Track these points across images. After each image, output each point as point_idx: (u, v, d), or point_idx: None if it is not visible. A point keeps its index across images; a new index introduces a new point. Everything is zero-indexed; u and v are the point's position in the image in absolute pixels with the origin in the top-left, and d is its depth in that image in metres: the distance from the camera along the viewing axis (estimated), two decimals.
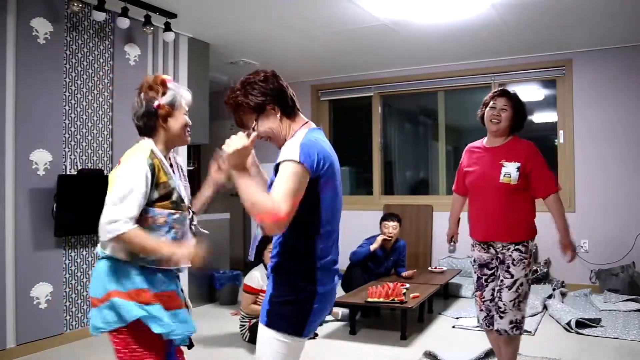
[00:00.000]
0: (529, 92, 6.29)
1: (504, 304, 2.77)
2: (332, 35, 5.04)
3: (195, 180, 7.79)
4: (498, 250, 2.83)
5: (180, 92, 2.00)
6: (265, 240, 4.08)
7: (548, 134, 6.11)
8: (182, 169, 2.14)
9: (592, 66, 5.66)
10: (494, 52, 5.83)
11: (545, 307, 4.76)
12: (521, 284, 2.76)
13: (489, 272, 2.88)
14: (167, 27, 4.56)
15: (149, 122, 1.94)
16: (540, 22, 4.82)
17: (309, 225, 1.66)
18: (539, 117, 6.45)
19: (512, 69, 6.01)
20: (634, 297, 4.90)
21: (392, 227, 5.04)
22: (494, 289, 2.88)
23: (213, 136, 6.54)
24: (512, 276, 2.76)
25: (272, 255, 1.72)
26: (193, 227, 2.11)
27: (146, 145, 1.94)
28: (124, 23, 4.16)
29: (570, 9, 4.46)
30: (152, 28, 4.43)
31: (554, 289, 5.29)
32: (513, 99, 2.90)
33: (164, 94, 1.95)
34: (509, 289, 2.76)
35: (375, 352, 3.74)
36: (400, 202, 6.54)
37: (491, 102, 2.90)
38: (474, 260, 2.95)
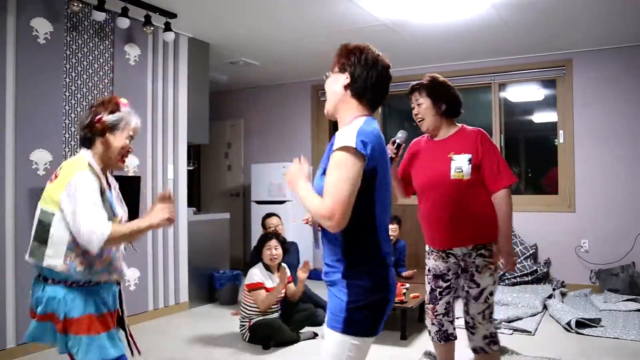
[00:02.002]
0: (529, 92, 6.30)
1: (471, 318, 2.48)
2: (332, 35, 5.05)
3: (195, 180, 7.81)
4: (459, 258, 2.50)
5: (129, 118, 2.05)
6: (263, 239, 4.09)
7: (548, 134, 6.12)
8: (117, 191, 2.16)
9: (592, 66, 5.66)
10: (494, 52, 5.83)
11: (545, 307, 4.75)
12: (490, 293, 2.46)
13: (444, 285, 2.58)
14: (167, 27, 4.56)
15: (88, 134, 2.03)
16: (540, 22, 4.82)
17: (369, 224, 1.67)
18: (539, 117, 6.46)
19: (512, 69, 6.01)
20: (634, 297, 4.90)
21: (391, 229, 5.04)
22: (448, 302, 2.62)
23: (213, 136, 6.54)
24: (479, 285, 2.45)
25: (336, 262, 1.67)
26: (125, 248, 2.15)
27: (84, 158, 1.99)
28: (124, 23, 4.16)
29: (570, 9, 4.46)
30: (152, 28, 4.43)
31: (554, 289, 5.29)
32: (424, 88, 2.53)
33: (111, 112, 2.02)
34: (476, 300, 2.45)
35: (375, 352, 3.71)
36: (400, 202, 6.52)
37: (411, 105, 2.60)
38: (428, 270, 2.64)
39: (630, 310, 4.64)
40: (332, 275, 1.68)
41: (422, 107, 2.52)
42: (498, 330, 2.74)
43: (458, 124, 2.61)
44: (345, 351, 1.63)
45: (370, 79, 1.72)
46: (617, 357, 3.51)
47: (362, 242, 1.66)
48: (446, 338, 2.68)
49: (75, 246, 1.90)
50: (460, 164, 2.42)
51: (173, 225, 2.10)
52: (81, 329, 1.89)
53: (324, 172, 1.65)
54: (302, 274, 3.97)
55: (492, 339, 2.51)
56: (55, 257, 1.89)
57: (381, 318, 1.68)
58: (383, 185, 1.68)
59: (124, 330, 2.12)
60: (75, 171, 1.92)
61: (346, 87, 1.74)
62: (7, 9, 3.58)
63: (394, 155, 2.39)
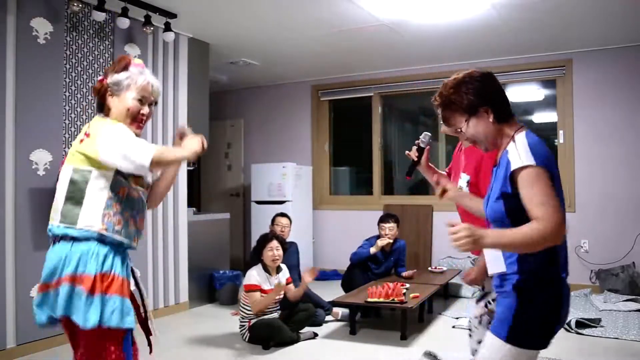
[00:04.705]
0: (529, 92, 6.30)
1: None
2: (332, 35, 5.04)
3: (195, 180, 7.81)
4: None
5: (137, 77, 1.90)
6: (264, 240, 4.08)
7: (548, 134, 6.11)
8: None
9: (592, 66, 5.66)
10: (494, 52, 5.83)
11: None
12: None
13: None
14: (167, 27, 4.56)
15: (97, 99, 1.95)
16: (540, 22, 4.82)
17: None
18: (539, 117, 6.46)
19: (512, 69, 6.01)
20: (634, 297, 4.90)
21: (388, 228, 5.03)
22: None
23: (213, 136, 6.54)
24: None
25: (510, 274, 1.65)
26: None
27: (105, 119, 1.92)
28: (124, 23, 4.16)
29: (570, 9, 4.46)
30: (152, 28, 4.43)
31: None
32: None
33: (117, 72, 1.91)
34: None
35: (375, 352, 3.73)
36: (400, 202, 6.53)
37: None
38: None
39: (630, 310, 4.64)
40: (505, 286, 1.66)
41: None
42: None
43: None
44: (502, 358, 1.62)
45: (493, 94, 1.70)
46: (617, 357, 3.52)
47: (540, 256, 1.60)
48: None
49: (113, 204, 1.82)
50: (462, 185, 2.16)
51: (203, 149, 2.04)
52: (110, 287, 1.78)
53: (499, 196, 1.62)
54: (307, 278, 3.96)
55: None
56: (92, 217, 1.80)
57: (549, 333, 1.64)
58: (561, 195, 1.63)
59: (146, 321, 2.06)
60: (108, 121, 1.87)
61: (494, 121, 1.68)
62: (7, 9, 3.57)
63: (416, 159, 2.12)
